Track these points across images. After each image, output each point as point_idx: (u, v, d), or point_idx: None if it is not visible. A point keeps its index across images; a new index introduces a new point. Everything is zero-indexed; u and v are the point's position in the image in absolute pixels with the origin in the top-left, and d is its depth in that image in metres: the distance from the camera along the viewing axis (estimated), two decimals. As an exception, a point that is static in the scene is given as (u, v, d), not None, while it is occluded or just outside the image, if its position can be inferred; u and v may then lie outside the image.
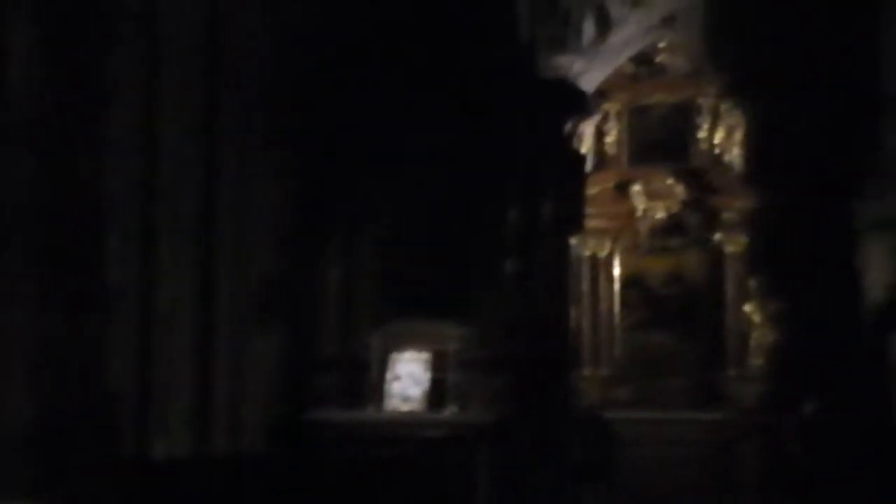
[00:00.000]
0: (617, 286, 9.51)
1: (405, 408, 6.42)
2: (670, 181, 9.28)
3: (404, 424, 6.34)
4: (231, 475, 5.92)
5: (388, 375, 6.51)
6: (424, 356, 6.57)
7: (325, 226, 6.82)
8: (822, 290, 9.13)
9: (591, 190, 9.06)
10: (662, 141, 9.48)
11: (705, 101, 9.40)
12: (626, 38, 8.10)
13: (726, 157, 9.33)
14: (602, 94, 9.48)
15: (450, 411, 6.38)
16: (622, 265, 9.51)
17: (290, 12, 6.52)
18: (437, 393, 6.45)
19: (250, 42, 6.34)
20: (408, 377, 6.49)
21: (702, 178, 9.30)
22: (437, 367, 6.51)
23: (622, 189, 9.42)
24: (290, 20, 6.53)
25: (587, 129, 9.43)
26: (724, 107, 9.38)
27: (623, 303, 9.48)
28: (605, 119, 9.53)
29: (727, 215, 9.19)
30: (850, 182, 9.31)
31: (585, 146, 9.41)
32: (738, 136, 9.31)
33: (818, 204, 9.20)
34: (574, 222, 8.04)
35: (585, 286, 9.44)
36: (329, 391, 6.59)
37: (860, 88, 9.24)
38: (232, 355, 6.14)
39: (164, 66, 5.73)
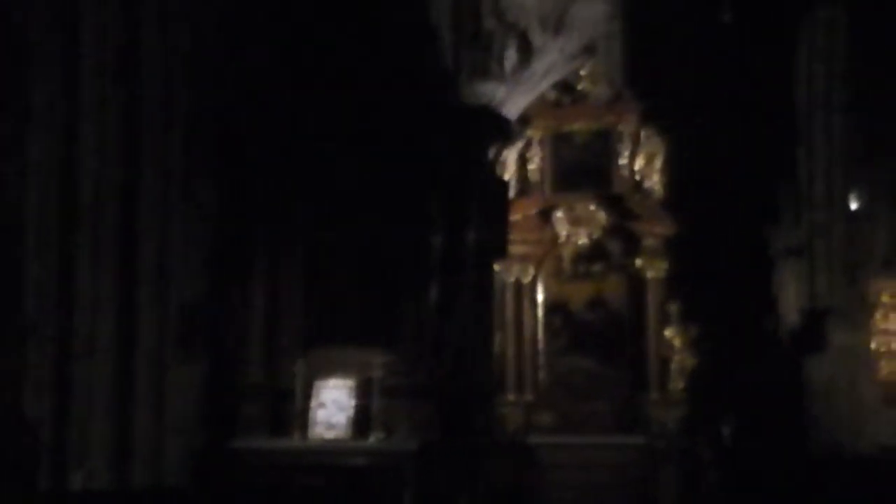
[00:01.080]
0: (541, 312, 9.61)
1: (330, 435, 6.44)
2: (592, 207, 9.44)
3: (329, 452, 6.36)
4: (152, 507, 5.86)
5: (313, 403, 6.53)
6: (349, 383, 6.60)
7: (248, 253, 6.82)
8: (739, 315, 9.42)
9: (515, 216, 9.23)
10: (585, 167, 9.66)
11: (626, 128, 9.62)
12: (549, 66, 8.27)
13: (647, 184, 9.54)
14: (525, 120, 9.58)
15: (375, 438, 6.41)
16: (545, 291, 9.63)
17: (212, 39, 6.54)
18: (362, 420, 6.48)
19: (171, 67, 6.33)
20: (333, 404, 6.51)
21: (623, 205, 9.50)
22: (363, 394, 6.54)
23: (545, 215, 9.56)
24: (213, 46, 6.55)
25: (510, 156, 9.62)
26: (644, 134, 9.60)
27: (547, 328, 9.58)
28: (528, 145, 9.67)
29: (648, 241, 9.39)
30: (765, 210, 9.64)
31: (509, 172, 9.62)
32: (658, 162, 9.53)
33: (735, 231, 9.49)
34: (498, 248, 8.14)
35: (509, 312, 9.52)
36: (253, 419, 6.58)
37: (775, 118, 9.59)
38: (153, 384, 6.08)
39: (83, 92, 5.70)
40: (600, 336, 9.46)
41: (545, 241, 9.60)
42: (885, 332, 9.09)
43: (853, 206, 9.77)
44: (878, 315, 9.08)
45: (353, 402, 6.52)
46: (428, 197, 6.90)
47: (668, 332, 9.32)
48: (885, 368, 9.10)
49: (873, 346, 9.11)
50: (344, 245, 6.82)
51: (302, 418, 6.48)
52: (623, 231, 9.49)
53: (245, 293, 6.81)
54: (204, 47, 6.58)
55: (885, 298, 9.13)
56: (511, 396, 9.37)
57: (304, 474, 6.16)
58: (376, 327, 6.77)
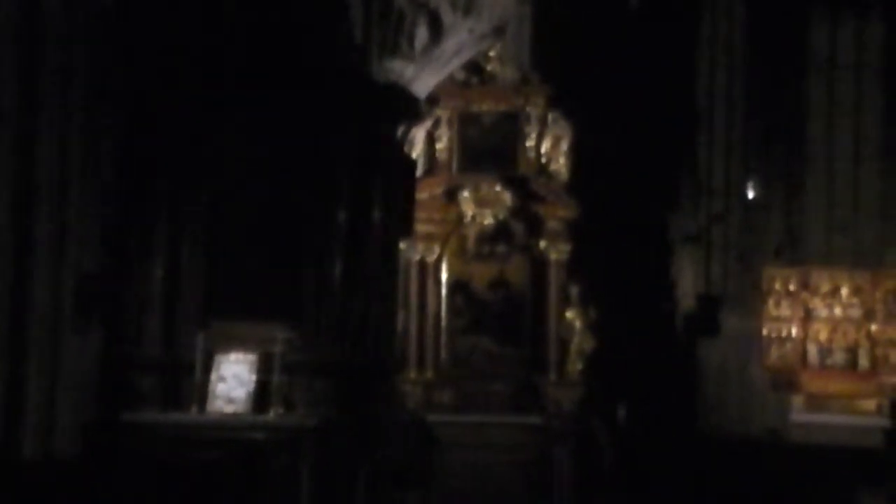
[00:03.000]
0: (444, 291, 9.78)
1: (229, 410, 6.39)
2: (498, 188, 9.61)
3: (227, 426, 6.32)
4: (41, 478, 5.77)
5: (213, 377, 6.46)
6: (250, 358, 6.55)
7: (147, 223, 6.73)
8: (637, 299, 9.65)
9: (422, 195, 9.28)
10: (492, 148, 9.83)
11: (533, 111, 9.79)
12: (458, 46, 8.30)
13: (552, 167, 9.74)
14: (434, 100, 9.63)
15: (274, 413, 6.40)
16: (449, 270, 9.78)
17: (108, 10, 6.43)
18: (262, 395, 6.45)
19: (70, 35, 6.20)
20: (233, 379, 6.46)
21: (528, 187, 9.68)
22: (263, 369, 6.50)
23: (452, 195, 9.71)
24: (110, 17, 6.44)
25: (419, 134, 9.67)
26: (551, 117, 9.79)
27: (449, 307, 9.77)
28: (436, 125, 9.78)
29: (551, 224, 9.60)
30: (665, 196, 9.88)
31: (416, 151, 9.67)
32: (564, 146, 9.73)
33: (636, 216, 9.72)
34: (403, 226, 8.16)
35: (413, 290, 9.67)
36: (150, 393, 6.51)
37: (677, 107, 9.82)
38: (46, 355, 5.98)
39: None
40: (502, 316, 9.67)
41: (451, 220, 9.75)
42: (777, 318, 9.37)
43: (749, 195, 10.06)
44: (770, 302, 9.37)
45: (253, 377, 6.48)
46: (334, 172, 6.88)
47: (568, 314, 9.56)
48: (774, 354, 9.39)
49: (765, 332, 9.39)
50: (248, 218, 6.76)
51: (201, 392, 6.41)
52: (527, 213, 9.67)
53: (144, 263, 6.72)
54: (105, 11, 6.46)
55: (777, 286, 9.41)
56: (412, 374, 9.52)
57: (200, 448, 6.11)
58: (279, 302, 6.73)
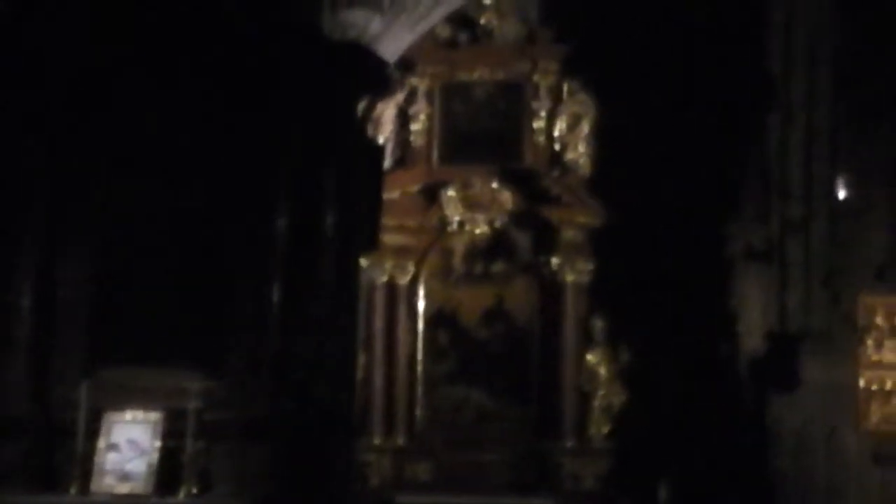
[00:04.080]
0: (421, 325, 9.81)
1: (124, 489, 6.39)
2: (495, 185, 9.63)
3: (121, 513, 6.34)
4: None
5: (101, 443, 6.47)
6: (153, 417, 6.57)
7: (15, 240, 6.74)
8: (685, 337, 9.65)
9: (391, 194, 9.27)
10: (486, 131, 9.88)
11: (543, 80, 9.83)
12: (442, -10, 8.39)
13: (568, 156, 9.78)
14: (408, 64, 9.72)
15: (186, 494, 6.42)
16: (428, 297, 9.82)
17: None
18: (169, 469, 6.47)
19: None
20: (129, 446, 6.46)
21: (536, 183, 9.71)
22: (172, 432, 6.52)
23: (431, 194, 9.75)
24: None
25: (387, 112, 9.71)
26: (567, 88, 9.83)
27: (428, 348, 9.79)
28: (411, 99, 9.84)
29: (568, 234, 9.63)
30: (722, 198, 9.90)
31: (384, 134, 9.72)
32: (585, 128, 9.76)
33: (682, 224, 9.73)
34: (366, 237, 8.19)
35: (379, 325, 9.71)
36: (14, 466, 6.52)
37: (740, 76, 9.84)
38: None
39: None
40: (499, 360, 9.70)
41: (430, 228, 9.80)
42: (878, 364, 9.44)
43: (840, 196, 10.10)
44: (868, 342, 9.43)
45: (157, 444, 6.49)
46: (272, 164, 6.92)
47: (590, 358, 9.59)
48: (875, 414, 9.45)
49: (861, 383, 9.45)
50: (151, 228, 6.78)
51: (83, 465, 6.41)
52: (535, 219, 9.71)
53: (7, 289, 6.74)
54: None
55: (878, 320, 9.48)
56: (377, 440, 9.53)
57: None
58: (194, 342, 6.75)
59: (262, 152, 6.85)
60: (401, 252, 9.73)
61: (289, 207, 6.90)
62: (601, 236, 9.63)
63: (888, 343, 9.41)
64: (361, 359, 9.33)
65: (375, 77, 7.75)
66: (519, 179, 9.70)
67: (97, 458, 6.44)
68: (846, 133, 10.00)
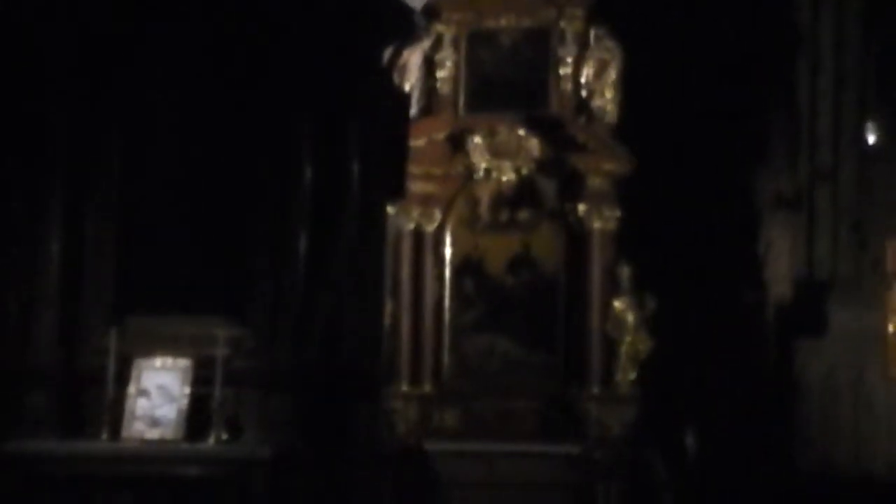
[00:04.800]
0: (448, 273, 9.83)
1: (153, 435, 6.44)
2: (521, 133, 9.61)
3: (150, 458, 6.38)
4: None
5: (131, 390, 6.52)
6: (182, 364, 6.61)
7: (42, 188, 6.76)
8: (712, 284, 9.66)
9: (417, 142, 9.27)
10: (512, 78, 9.84)
11: (570, 26, 9.77)
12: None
13: (595, 103, 9.73)
14: (434, 12, 9.74)
15: (215, 440, 6.46)
16: (455, 245, 9.84)
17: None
18: (198, 415, 6.50)
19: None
20: (158, 393, 6.50)
21: (563, 131, 9.68)
22: (200, 379, 6.55)
23: (458, 142, 9.72)
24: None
25: (413, 60, 9.69)
26: (593, 35, 9.76)
27: (455, 296, 9.82)
28: (436, 46, 9.79)
29: (594, 181, 9.60)
30: (750, 145, 9.86)
31: (410, 82, 9.71)
32: (612, 74, 9.70)
33: (710, 172, 9.72)
34: (392, 185, 8.20)
35: (406, 273, 9.73)
36: (44, 413, 6.56)
37: (768, 19, 9.77)
38: None
39: None
40: (526, 308, 9.73)
41: (456, 176, 9.79)
42: (907, 311, 9.41)
43: (869, 142, 10.05)
44: (896, 288, 9.40)
45: (186, 391, 6.54)
46: (297, 114, 6.92)
47: (617, 305, 9.56)
48: (904, 360, 9.43)
49: (890, 329, 9.43)
50: (177, 177, 6.80)
51: (114, 412, 6.46)
52: (561, 166, 9.70)
53: (35, 239, 6.77)
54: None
55: (907, 266, 9.44)
56: (404, 387, 9.58)
57: (112, 490, 6.18)
58: (221, 290, 6.79)
59: (287, 102, 6.85)
60: (427, 200, 9.74)
61: (314, 156, 6.91)
62: (628, 184, 9.59)
63: (917, 289, 9.38)
64: (388, 307, 9.30)
65: (401, 24, 7.75)
66: (545, 127, 9.66)
67: (127, 405, 6.49)
68: (875, 79, 9.94)
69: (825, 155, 9.94)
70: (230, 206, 6.85)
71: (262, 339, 6.66)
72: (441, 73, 9.81)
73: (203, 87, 6.86)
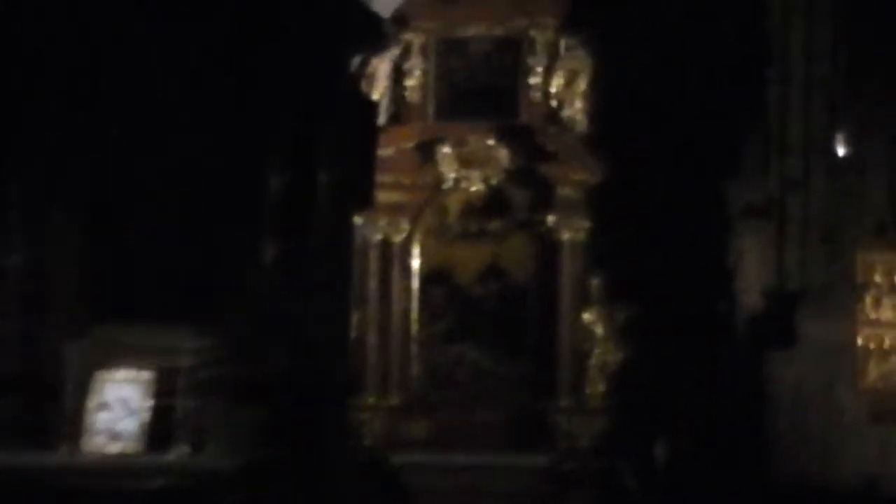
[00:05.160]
0: (416, 283, 9.84)
1: (115, 448, 6.43)
2: (491, 142, 9.63)
3: (112, 472, 6.34)
4: None
5: (92, 402, 6.50)
6: (144, 376, 6.59)
7: (6, 197, 6.72)
8: (682, 295, 9.65)
9: (386, 150, 9.35)
10: (483, 87, 9.85)
11: (540, 35, 9.79)
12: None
13: (566, 113, 9.75)
14: (403, 20, 9.69)
15: (179, 453, 6.43)
16: (424, 255, 9.85)
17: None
18: (161, 427, 6.49)
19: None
20: (120, 405, 6.50)
21: (533, 140, 9.69)
22: (163, 391, 6.54)
23: (427, 150, 9.71)
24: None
25: (381, 68, 9.67)
26: (564, 44, 9.78)
27: (424, 306, 9.83)
28: (405, 54, 9.77)
29: (564, 191, 9.62)
30: (721, 154, 9.86)
31: (378, 90, 9.69)
32: (582, 84, 9.73)
33: (681, 181, 9.71)
34: (360, 194, 8.22)
35: (373, 283, 9.72)
36: (3, 424, 6.53)
37: (739, 28, 9.78)
38: None
39: None
40: (496, 318, 9.75)
41: (425, 185, 9.80)
42: (876, 322, 9.38)
43: (839, 152, 10.05)
44: (867, 300, 9.37)
45: (149, 403, 6.52)
46: (265, 122, 6.91)
47: (587, 316, 9.60)
48: (873, 372, 9.40)
49: (859, 341, 9.41)
50: (142, 184, 6.78)
51: (74, 424, 6.45)
52: (532, 176, 9.71)
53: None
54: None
55: (877, 277, 9.42)
56: (371, 398, 9.58)
57: (70, 503, 6.13)
58: (186, 300, 6.78)
59: (256, 109, 6.84)
60: (395, 210, 9.72)
61: (282, 165, 6.92)
62: (598, 193, 9.62)
63: (886, 301, 9.34)
64: (356, 317, 9.38)
65: (370, 33, 7.74)
66: (515, 136, 9.68)
67: (88, 418, 6.45)
68: (845, 88, 9.95)
69: (795, 164, 9.93)
70: (197, 214, 6.84)
71: (228, 349, 6.63)
72: (410, 82, 9.80)
73: (170, 94, 6.84)
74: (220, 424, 6.58)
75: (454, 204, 9.82)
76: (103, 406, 6.48)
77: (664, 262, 9.60)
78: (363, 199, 8.36)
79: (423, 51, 9.83)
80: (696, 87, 9.70)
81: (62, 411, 6.44)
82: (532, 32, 9.80)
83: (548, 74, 9.77)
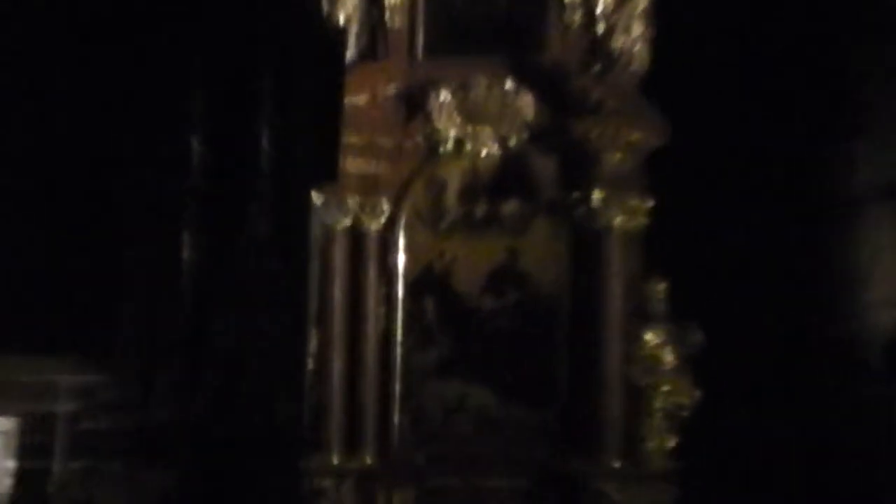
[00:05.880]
0: (399, 292, 10.08)
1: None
2: (508, 87, 9.88)
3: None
4: None
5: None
6: (5, 425, 6.71)
7: None
8: (783, 309, 9.69)
9: (355, 98, 9.65)
10: (493, 9, 10.04)
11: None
12: None
13: (616, 44, 9.91)
14: None
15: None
16: (410, 251, 10.10)
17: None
18: (30, 499, 6.63)
19: None
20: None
21: (568, 84, 9.88)
22: (35, 446, 6.66)
23: (415, 99, 9.99)
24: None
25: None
26: (614, -55, 9.95)
27: (410, 324, 10.06)
28: (384, -38, 9.96)
29: (614, 157, 9.82)
30: (841, 108, 9.83)
31: (346, 13, 9.89)
32: (641, 3, 9.88)
33: (784, 147, 9.67)
34: (319, 164, 8.34)
35: (338, 291, 9.95)
36: None
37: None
38: None
39: None
40: (511, 343, 9.96)
41: (413, 150, 10.06)
42: None
43: None
44: None
45: (9, 464, 6.65)
46: (180, 67, 7.05)
47: (648, 338, 9.84)
48: None
49: None
50: (9, 156, 7.01)
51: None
52: (566, 136, 9.87)
53: None
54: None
55: None
56: (335, 458, 9.81)
57: None
58: (68, 320, 6.87)
59: (167, 50, 7.01)
60: (370, 185, 9.95)
61: (206, 124, 7.06)
62: (662, 162, 9.76)
63: None
64: (314, 341, 9.74)
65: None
66: (542, 78, 9.87)
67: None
68: None
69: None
70: (87, 199, 6.99)
71: (127, 387, 6.79)
72: (391, 0, 9.99)
73: (60, 38, 7.09)
74: (115, 495, 6.70)
75: (454, 177, 10.07)
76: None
77: (758, 261, 9.66)
78: (324, 170, 8.39)
79: (410, -46, 9.98)
80: (797, 14, 9.82)
81: None
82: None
83: (589, -9, 9.89)
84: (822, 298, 9.95)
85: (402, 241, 10.15)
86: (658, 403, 9.86)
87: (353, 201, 10.00)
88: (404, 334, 10.10)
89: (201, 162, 7.01)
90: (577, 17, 10.03)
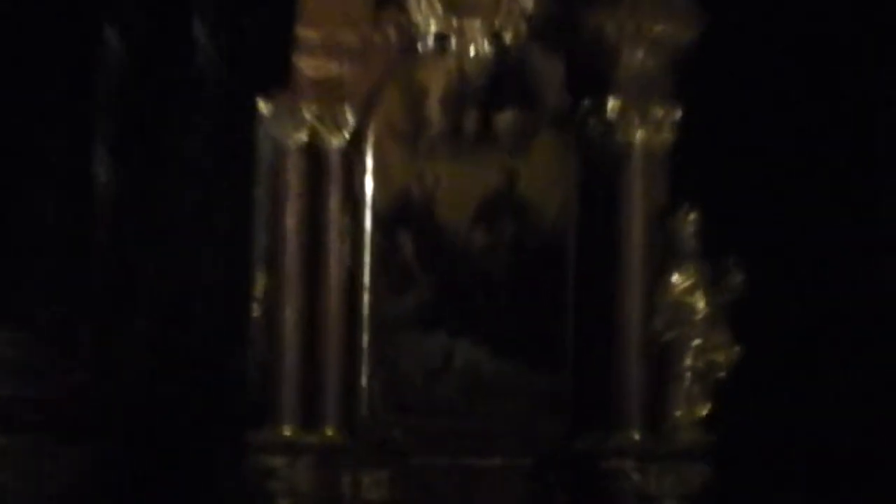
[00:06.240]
0: (368, 224, 10.12)
1: None
2: (504, -30, 9.90)
3: None
4: None
5: None
6: None
7: None
8: (837, 258, 9.85)
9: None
10: None
11: None
12: None
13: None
14: None
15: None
16: (381, 174, 10.13)
17: None
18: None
19: None
20: None
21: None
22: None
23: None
24: None
25: None
26: None
27: (382, 266, 10.11)
28: None
29: (635, 57, 9.87)
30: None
31: None
32: None
33: (833, 46, 9.89)
34: (266, 65, 8.46)
35: (291, 222, 9.91)
36: None
37: None
38: None
39: None
40: (507, 288, 10.03)
41: (385, 48, 10.08)
42: None
43: None
44: None
45: None
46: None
47: (675, 280, 9.82)
48: None
49: None
50: None
51: None
52: (573, 29, 9.95)
53: None
54: None
55: None
56: (289, 431, 9.82)
57: None
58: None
59: None
60: (331, 91, 9.97)
61: (129, 20, 7.19)
62: (693, 64, 9.84)
63: None
64: (260, 285, 9.84)
65: None
66: None
67: None
68: None
69: None
70: None
71: (39, 354, 6.94)
72: None
73: None
74: (26, 478, 6.82)
75: (436, 81, 10.09)
76: None
77: (805, 187, 9.75)
78: (273, 73, 8.48)
79: None
80: None
81: None
82: None
83: None
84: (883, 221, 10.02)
85: (370, 161, 10.16)
86: (687, 362, 9.82)
87: (309, 111, 9.95)
88: (374, 277, 10.11)
89: (118, 61, 7.02)
90: None
